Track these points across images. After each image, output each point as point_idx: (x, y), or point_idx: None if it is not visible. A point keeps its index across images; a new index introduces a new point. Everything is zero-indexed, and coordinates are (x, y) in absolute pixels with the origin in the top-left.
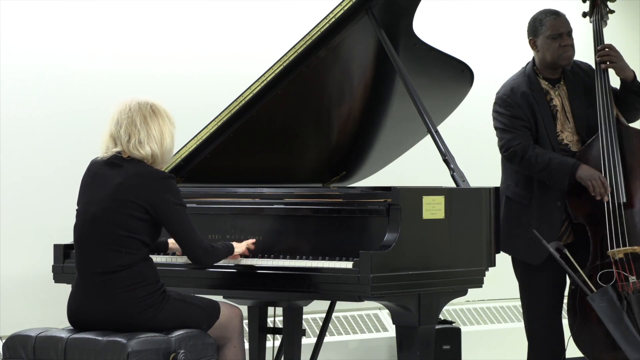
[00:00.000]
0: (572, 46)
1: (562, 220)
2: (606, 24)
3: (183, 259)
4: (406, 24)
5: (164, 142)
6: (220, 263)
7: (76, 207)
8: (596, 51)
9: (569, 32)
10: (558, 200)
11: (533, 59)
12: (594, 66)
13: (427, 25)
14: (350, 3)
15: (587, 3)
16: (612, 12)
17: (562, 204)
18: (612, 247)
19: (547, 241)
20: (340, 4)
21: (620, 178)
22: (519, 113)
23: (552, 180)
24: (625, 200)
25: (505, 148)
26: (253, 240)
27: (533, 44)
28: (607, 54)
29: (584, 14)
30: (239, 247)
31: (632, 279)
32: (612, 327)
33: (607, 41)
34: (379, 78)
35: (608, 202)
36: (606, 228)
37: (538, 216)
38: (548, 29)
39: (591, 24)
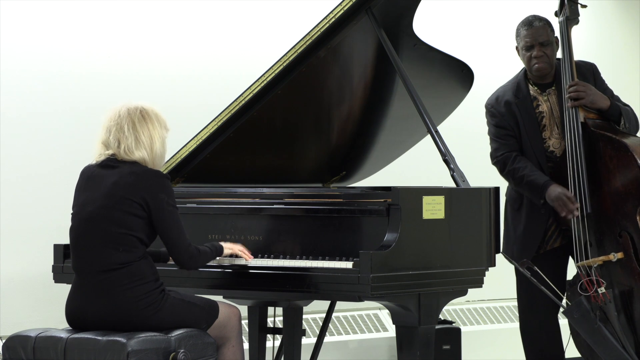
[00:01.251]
0: (544, 56)
1: (547, 226)
2: (577, 22)
3: None
4: (406, 24)
5: (153, 147)
6: (220, 263)
7: (71, 211)
8: (563, 52)
9: (541, 43)
10: (542, 208)
11: None
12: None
13: (427, 25)
14: (350, 3)
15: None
16: (584, 6)
17: (545, 211)
18: (580, 259)
19: (532, 246)
20: (340, 4)
21: (584, 188)
22: (502, 122)
23: (530, 197)
24: (589, 211)
25: (492, 157)
26: (249, 256)
27: (518, 52)
28: (574, 91)
29: (556, 14)
30: (231, 248)
31: (601, 289)
32: (589, 338)
33: (607, 40)
34: (379, 78)
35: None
36: (574, 241)
37: (525, 220)
38: (522, 40)
39: (559, 24)
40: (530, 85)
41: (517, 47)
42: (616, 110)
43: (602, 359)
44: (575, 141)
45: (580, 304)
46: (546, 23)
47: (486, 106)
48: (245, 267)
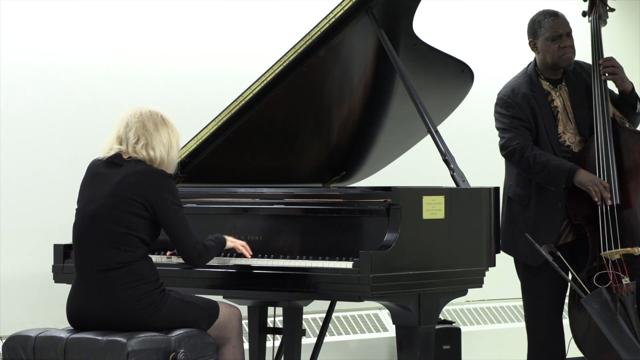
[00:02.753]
0: (571, 47)
1: (561, 220)
2: (605, 23)
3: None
4: (406, 24)
5: (171, 151)
6: (221, 263)
7: (75, 207)
8: (594, 50)
9: (568, 33)
10: (559, 202)
11: (535, 59)
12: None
13: (427, 25)
14: (350, 3)
15: (587, 2)
16: (612, 10)
17: (562, 205)
18: (605, 249)
19: (546, 241)
20: (340, 4)
21: (614, 180)
22: (519, 114)
23: (549, 183)
24: (619, 202)
25: (504, 148)
26: (249, 252)
27: (533, 45)
28: (610, 65)
29: (584, 13)
30: (233, 242)
31: (626, 280)
32: (606, 329)
33: (607, 41)
34: (379, 78)
35: (602, 204)
36: (600, 229)
37: (536, 217)
38: (547, 31)
39: (589, 23)
40: (542, 80)
41: (532, 42)
42: (635, 93)
43: (604, 356)
44: (605, 134)
45: (601, 294)
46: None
47: (501, 97)
48: (245, 267)
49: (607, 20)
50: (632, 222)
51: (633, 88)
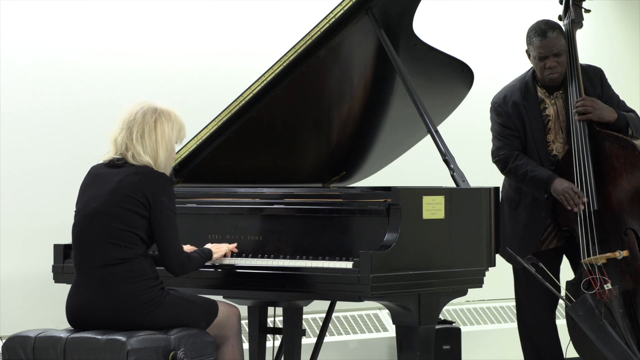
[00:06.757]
0: (558, 66)
1: (544, 227)
2: (581, 26)
3: None
4: (406, 24)
5: (157, 159)
6: (220, 263)
7: (74, 209)
8: (569, 57)
9: (555, 54)
10: (542, 211)
11: None
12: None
13: (427, 25)
14: (350, 3)
15: (562, 5)
16: (587, 11)
17: (545, 214)
18: (586, 256)
19: (528, 246)
20: (340, 4)
21: (591, 185)
22: (508, 122)
23: (534, 193)
24: (596, 208)
25: (493, 155)
26: (234, 245)
27: (528, 55)
28: (582, 106)
29: (560, 17)
30: (219, 251)
31: (608, 285)
32: (593, 335)
33: (607, 42)
34: (379, 78)
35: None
36: (579, 237)
37: (524, 221)
38: (535, 50)
39: (563, 27)
40: (538, 88)
41: (527, 51)
42: (623, 122)
43: (602, 358)
44: (581, 139)
45: (585, 301)
46: (559, 31)
47: (493, 104)
48: (245, 267)
49: (583, 22)
50: (613, 226)
51: (617, 117)
